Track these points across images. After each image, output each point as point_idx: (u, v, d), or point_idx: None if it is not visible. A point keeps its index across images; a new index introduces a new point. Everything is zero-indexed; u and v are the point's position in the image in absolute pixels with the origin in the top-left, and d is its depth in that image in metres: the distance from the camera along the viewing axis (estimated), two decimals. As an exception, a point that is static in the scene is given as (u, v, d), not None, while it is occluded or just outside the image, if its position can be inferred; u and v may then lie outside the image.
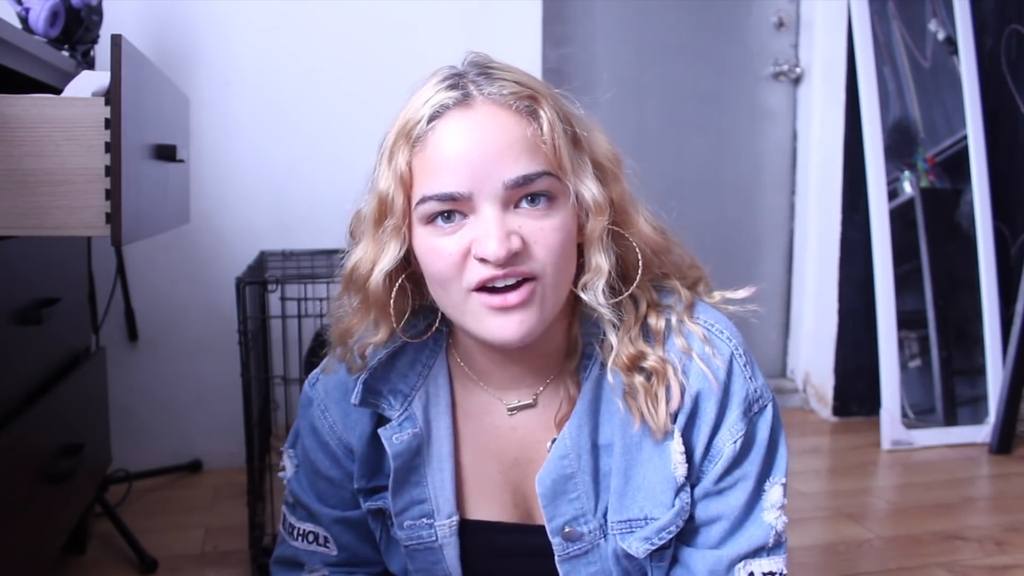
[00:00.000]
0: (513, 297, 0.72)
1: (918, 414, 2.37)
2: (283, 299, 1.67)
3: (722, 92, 2.61)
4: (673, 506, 0.80)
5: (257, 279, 1.59)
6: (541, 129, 0.74)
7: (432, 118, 0.74)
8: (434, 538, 0.85)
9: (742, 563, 0.81)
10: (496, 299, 0.72)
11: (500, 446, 0.85)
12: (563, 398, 0.83)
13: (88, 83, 1.02)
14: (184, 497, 1.96)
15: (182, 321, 2.10)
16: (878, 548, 1.71)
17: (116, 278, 1.98)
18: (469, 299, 0.73)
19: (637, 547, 0.80)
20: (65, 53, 1.59)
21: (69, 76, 1.21)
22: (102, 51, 1.70)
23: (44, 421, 1.28)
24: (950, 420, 2.38)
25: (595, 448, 0.81)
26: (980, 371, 2.42)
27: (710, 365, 0.79)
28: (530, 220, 0.73)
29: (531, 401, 0.84)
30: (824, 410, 2.61)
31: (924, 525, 1.81)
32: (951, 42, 2.46)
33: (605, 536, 0.82)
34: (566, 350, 0.83)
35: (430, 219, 0.74)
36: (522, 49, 2.25)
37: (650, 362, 0.78)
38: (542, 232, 0.73)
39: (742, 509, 0.81)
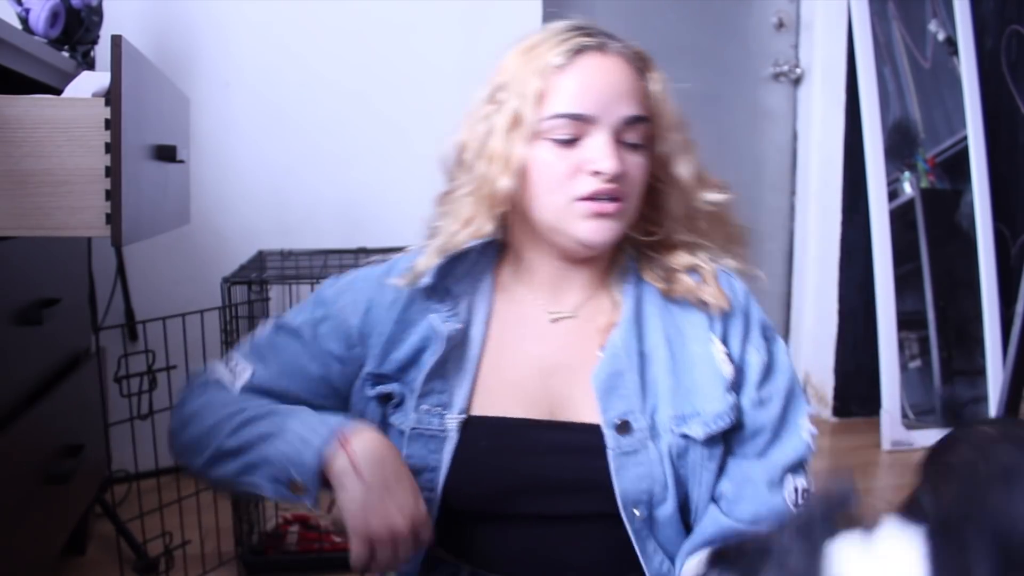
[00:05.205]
0: (609, 207, 0.88)
1: (918, 414, 2.37)
2: (263, 299, 1.67)
3: (722, 92, 2.61)
4: (728, 399, 0.91)
5: (243, 279, 1.59)
6: (647, 87, 0.91)
7: (573, 52, 0.89)
8: (442, 427, 0.92)
9: (790, 475, 0.93)
10: (597, 206, 0.88)
11: (542, 351, 0.95)
12: (603, 311, 0.95)
13: (88, 83, 1.02)
14: (184, 497, 1.96)
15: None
16: (878, 549, 1.71)
17: (116, 278, 1.98)
18: (572, 206, 0.89)
19: (697, 431, 0.90)
20: (65, 53, 1.59)
21: (69, 76, 1.21)
22: (102, 51, 1.70)
23: (44, 421, 1.28)
24: (950, 421, 2.38)
25: (641, 356, 0.92)
26: (980, 372, 2.42)
27: (733, 287, 0.95)
28: (627, 155, 0.89)
29: (571, 313, 0.96)
30: (824, 411, 2.61)
31: (924, 526, 1.81)
32: (951, 42, 2.46)
33: (654, 438, 0.90)
34: (610, 269, 0.97)
35: (553, 134, 0.88)
36: (522, 49, 2.25)
37: (693, 261, 0.94)
38: (634, 166, 0.90)
39: (779, 421, 0.94)
